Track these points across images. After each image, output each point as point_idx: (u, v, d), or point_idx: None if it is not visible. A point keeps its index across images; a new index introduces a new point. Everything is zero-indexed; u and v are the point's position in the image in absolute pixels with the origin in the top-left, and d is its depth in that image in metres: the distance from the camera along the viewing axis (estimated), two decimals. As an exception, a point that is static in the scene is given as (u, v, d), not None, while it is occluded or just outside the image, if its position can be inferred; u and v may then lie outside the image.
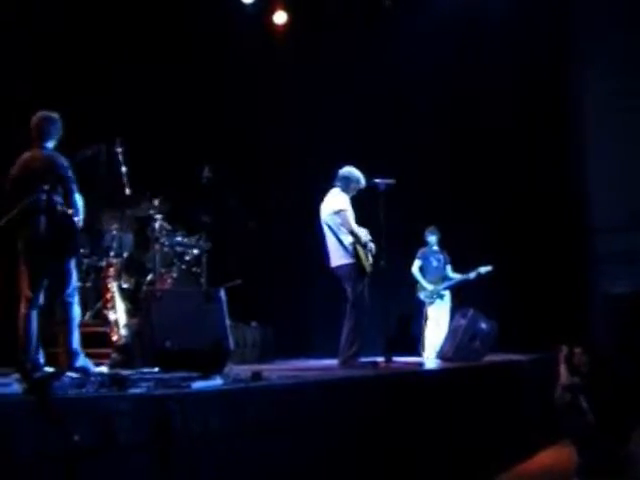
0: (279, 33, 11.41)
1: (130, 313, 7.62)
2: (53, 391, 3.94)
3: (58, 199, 5.74)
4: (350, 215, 7.61)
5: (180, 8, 10.21)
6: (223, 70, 10.62)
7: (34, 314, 5.85)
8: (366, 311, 7.52)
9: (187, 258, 8.24)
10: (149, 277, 7.91)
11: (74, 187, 5.85)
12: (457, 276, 10.14)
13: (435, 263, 10.27)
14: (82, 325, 6.27)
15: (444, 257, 10.30)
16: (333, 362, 7.70)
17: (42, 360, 5.84)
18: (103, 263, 7.79)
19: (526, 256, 10.61)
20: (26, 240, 5.80)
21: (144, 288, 7.74)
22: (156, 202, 8.12)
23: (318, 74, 10.80)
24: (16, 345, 5.77)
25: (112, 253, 7.83)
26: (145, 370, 5.86)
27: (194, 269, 8.26)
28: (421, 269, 10.28)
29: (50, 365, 5.90)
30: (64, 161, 5.91)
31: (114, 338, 7.43)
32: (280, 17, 11.38)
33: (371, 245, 7.73)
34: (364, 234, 7.71)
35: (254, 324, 9.41)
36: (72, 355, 5.79)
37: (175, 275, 8.06)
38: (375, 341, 8.22)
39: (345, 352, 7.39)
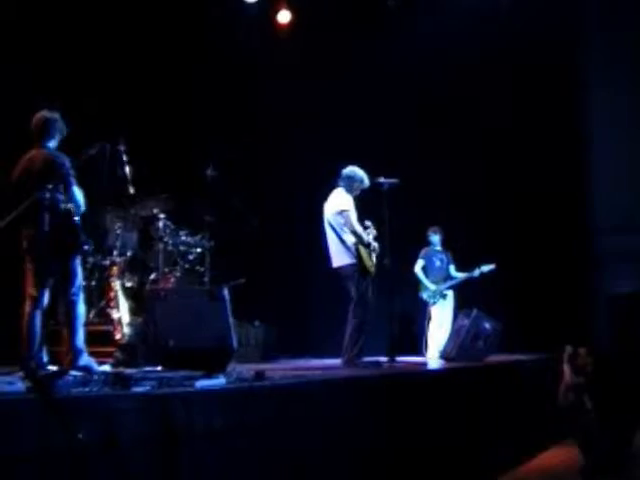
0: (283, 32, 11.42)
1: (133, 312, 7.62)
2: (56, 390, 3.94)
3: (61, 197, 5.75)
4: (353, 215, 7.61)
5: (184, 7, 10.21)
6: (227, 69, 10.62)
7: (38, 313, 5.86)
8: (370, 311, 7.53)
9: (190, 257, 8.24)
10: (152, 276, 7.91)
11: (72, 181, 5.85)
12: (460, 275, 10.15)
13: (438, 263, 10.27)
14: (86, 324, 6.27)
15: (447, 257, 10.31)
16: (336, 362, 7.70)
17: (45, 359, 5.85)
18: (107, 262, 7.80)
19: (529, 256, 10.61)
20: (30, 239, 5.82)
21: (147, 287, 7.74)
22: (160, 201, 8.12)
23: (322, 73, 10.80)
24: (20, 343, 5.77)
25: (116, 252, 7.84)
26: (148, 369, 5.87)
27: (197, 268, 8.26)
28: (424, 269, 10.29)
29: (53, 364, 5.90)
30: (64, 159, 5.91)
31: (117, 337, 7.44)
32: (284, 16, 11.39)
33: (374, 245, 7.74)
34: (369, 231, 7.72)
35: (257, 323, 9.41)
36: (75, 354, 5.79)
37: (178, 274, 8.06)
38: (378, 341, 8.21)
39: (348, 352, 7.39)
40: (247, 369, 5.71)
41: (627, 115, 10.80)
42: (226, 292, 5.65)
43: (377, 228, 7.82)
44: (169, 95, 10.05)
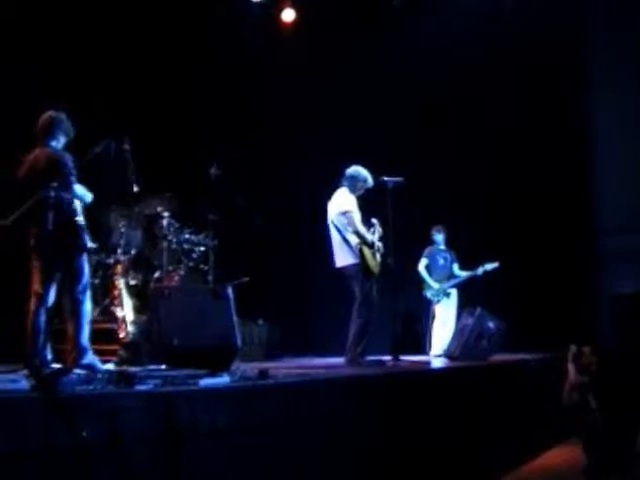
0: (287, 31, 11.42)
1: (137, 310, 7.62)
2: (60, 388, 3.94)
3: (66, 196, 5.77)
4: (356, 216, 7.61)
5: (189, 6, 10.22)
6: (231, 68, 10.62)
7: (43, 310, 5.87)
8: (374, 310, 7.53)
9: (194, 255, 8.24)
10: (156, 274, 7.91)
11: (72, 179, 5.86)
12: (464, 274, 10.15)
13: (441, 262, 10.28)
14: (90, 322, 6.26)
15: (451, 256, 10.31)
16: (339, 360, 7.70)
17: (50, 356, 5.85)
18: (111, 260, 7.80)
19: (533, 255, 10.61)
20: (36, 237, 5.83)
21: (151, 285, 7.75)
22: (164, 200, 8.12)
23: (326, 72, 10.80)
24: (24, 341, 5.78)
25: (120, 250, 7.84)
26: (152, 367, 5.87)
27: (201, 267, 8.26)
28: (428, 268, 10.30)
29: (57, 362, 5.91)
30: (67, 158, 5.93)
31: (121, 335, 7.44)
32: (288, 15, 11.40)
33: (379, 244, 7.74)
34: (374, 229, 7.73)
35: (261, 322, 9.42)
36: (80, 352, 5.79)
37: (182, 272, 8.06)
38: (382, 340, 8.22)
39: (352, 351, 7.40)
40: (251, 368, 5.72)
41: (632, 115, 10.78)
42: (230, 291, 5.66)
43: (381, 227, 7.83)
44: (174, 94, 10.06)
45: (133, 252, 7.95)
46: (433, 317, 10.13)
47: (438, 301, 10.15)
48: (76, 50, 8.99)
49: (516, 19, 10.60)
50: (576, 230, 10.64)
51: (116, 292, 7.66)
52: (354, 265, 7.55)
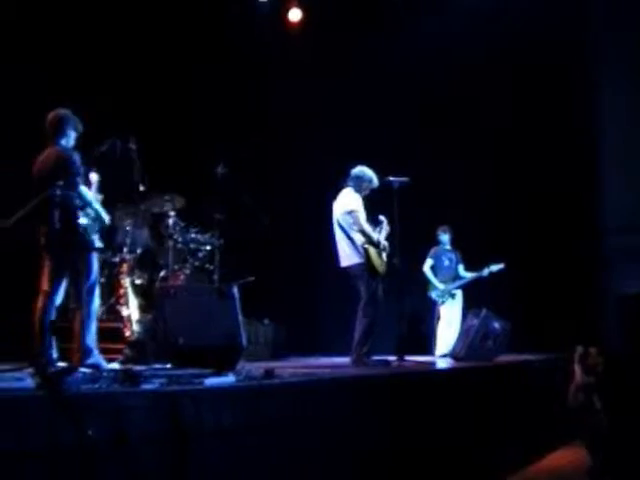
0: (294, 30, 11.42)
1: (143, 309, 7.63)
2: (66, 386, 3.95)
3: (73, 195, 5.77)
4: (362, 215, 7.61)
5: (196, 5, 10.22)
6: (237, 67, 10.62)
7: (51, 309, 5.88)
8: (379, 310, 7.52)
9: (200, 255, 8.25)
10: (162, 273, 7.92)
11: (78, 180, 5.88)
12: (469, 275, 10.14)
13: (447, 262, 10.27)
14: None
15: (456, 256, 10.30)
16: (345, 360, 7.70)
17: (55, 355, 5.86)
18: (116, 259, 7.81)
19: (538, 256, 10.59)
20: (45, 236, 5.84)
21: (157, 284, 7.75)
22: (170, 199, 8.13)
23: (332, 72, 10.79)
24: (30, 340, 5.79)
25: (125, 249, 7.85)
26: (158, 366, 5.87)
27: (207, 266, 8.26)
28: (433, 268, 10.29)
29: (63, 360, 5.91)
30: (75, 157, 5.95)
31: (127, 334, 7.45)
32: (295, 14, 11.40)
33: (384, 243, 7.73)
34: (381, 227, 7.73)
35: (266, 321, 9.42)
36: (85, 352, 5.79)
37: (188, 272, 8.07)
38: (387, 340, 8.22)
39: (357, 350, 7.39)
40: (256, 367, 5.71)
41: (637, 115, 10.76)
42: (236, 290, 5.66)
43: (389, 225, 7.83)
44: (180, 93, 10.07)
45: (139, 251, 7.96)
46: (438, 318, 10.13)
47: (443, 302, 10.14)
48: (82, 49, 9.00)
49: (520, 18, 10.57)
50: (581, 230, 10.62)
51: (122, 291, 7.67)
52: (359, 265, 7.55)
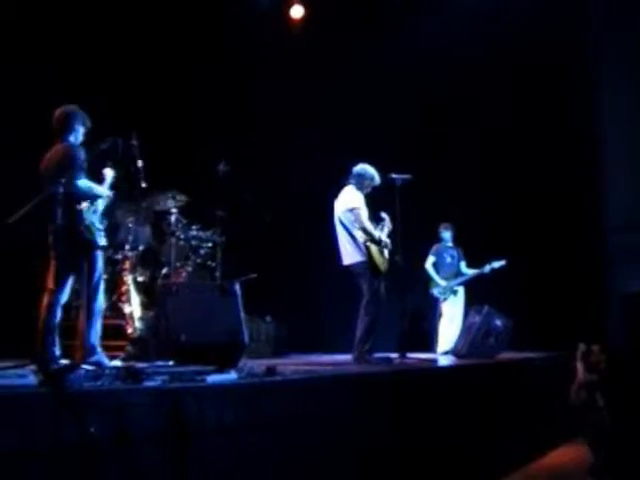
0: (296, 27, 11.41)
1: (145, 306, 7.64)
2: (68, 383, 3.95)
3: (75, 191, 5.76)
4: (363, 213, 7.61)
5: (196, 2, 10.22)
6: (239, 64, 10.62)
7: (56, 307, 5.87)
8: (382, 307, 7.52)
9: (202, 252, 8.26)
10: (164, 270, 7.93)
11: (77, 175, 5.85)
12: (471, 271, 10.14)
13: (449, 259, 10.27)
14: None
15: (458, 253, 10.31)
16: (347, 357, 7.70)
17: (58, 352, 5.86)
18: (119, 256, 7.81)
19: (541, 253, 10.59)
20: (51, 233, 5.85)
21: (159, 281, 7.76)
22: (172, 196, 8.13)
23: (333, 69, 10.78)
24: (34, 337, 5.79)
25: (128, 246, 7.85)
26: (160, 363, 5.88)
27: (209, 263, 8.27)
28: (435, 265, 10.29)
29: (65, 357, 5.91)
30: (78, 153, 5.94)
31: (129, 331, 7.46)
32: (297, 11, 11.39)
33: (386, 241, 7.73)
34: (383, 224, 7.73)
35: (268, 318, 9.43)
36: (88, 350, 5.78)
37: (190, 269, 8.08)
38: (389, 337, 8.23)
39: (359, 348, 7.39)
40: (258, 364, 5.71)
41: (638, 114, 10.76)
42: (238, 287, 5.66)
43: (391, 222, 7.83)
44: (181, 90, 10.06)
45: (141, 248, 7.96)
46: (440, 315, 10.13)
47: (445, 299, 10.14)
48: (83, 46, 9.00)
49: (522, 17, 10.56)
50: (584, 228, 10.62)
51: (124, 288, 7.68)
52: (361, 262, 7.55)
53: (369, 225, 7.61)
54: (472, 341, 8.65)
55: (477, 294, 9.97)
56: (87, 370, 5.05)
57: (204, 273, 8.22)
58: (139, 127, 6.78)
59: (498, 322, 8.66)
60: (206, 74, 10.38)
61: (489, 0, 10.71)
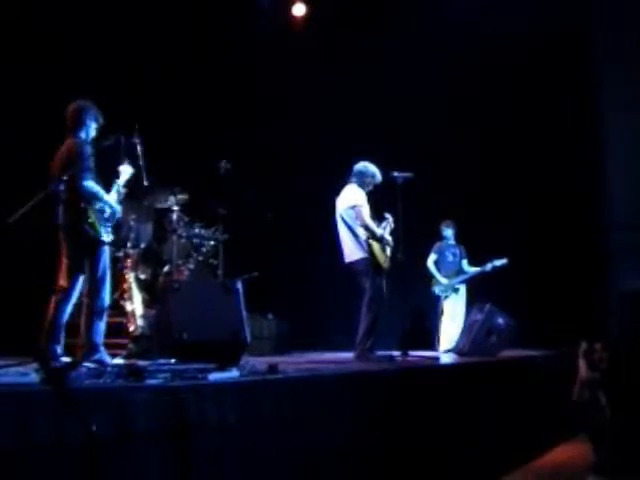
0: (298, 25, 11.39)
1: (147, 304, 7.64)
2: (70, 381, 3.95)
3: (79, 189, 5.75)
4: (365, 210, 7.60)
5: (198, 1, 10.22)
6: (241, 63, 10.61)
7: (67, 305, 5.86)
8: (383, 305, 7.52)
9: (204, 250, 8.25)
10: (166, 268, 7.92)
11: (82, 173, 5.81)
12: (472, 270, 10.14)
13: (450, 257, 10.27)
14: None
15: (460, 251, 10.30)
16: (349, 355, 7.70)
17: (60, 350, 5.85)
18: (120, 254, 7.81)
19: (543, 251, 10.59)
20: (60, 231, 5.85)
21: (161, 279, 7.76)
22: (174, 193, 8.13)
23: (337, 66, 10.77)
24: (35, 334, 5.78)
25: (129, 244, 7.84)
26: (162, 361, 5.87)
27: (211, 261, 8.27)
28: (436, 263, 10.28)
29: (67, 355, 5.91)
30: (84, 149, 5.91)
31: (131, 329, 7.45)
32: (299, 9, 11.37)
33: (388, 239, 7.73)
34: (386, 223, 7.73)
35: (270, 316, 9.42)
36: (91, 348, 5.77)
37: (192, 267, 8.07)
38: (391, 335, 8.22)
39: (361, 345, 7.39)
40: (260, 362, 5.71)
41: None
42: (240, 285, 5.65)
43: (394, 222, 7.83)
44: (183, 88, 10.05)
45: (143, 246, 7.96)
46: (441, 313, 10.13)
47: (446, 297, 10.14)
48: (85, 44, 9.00)
49: (527, 13, 10.55)
50: (586, 226, 10.62)
51: (126, 286, 7.67)
52: (363, 260, 7.55)
53: (371, 222, 7.61)
54: (474, 339, 8.64)
55: (479, 292, 9.97)
56: (89, 368, 5.06)
57: (206, 271, 8.21)
58: (141, 125, 6.77)
59: (500, 320, 8.65)
60: (208, 72, 10.37)
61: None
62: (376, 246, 7.56)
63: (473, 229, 10.34)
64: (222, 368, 5.00)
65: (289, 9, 11.39)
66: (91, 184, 5.86)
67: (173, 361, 5.58)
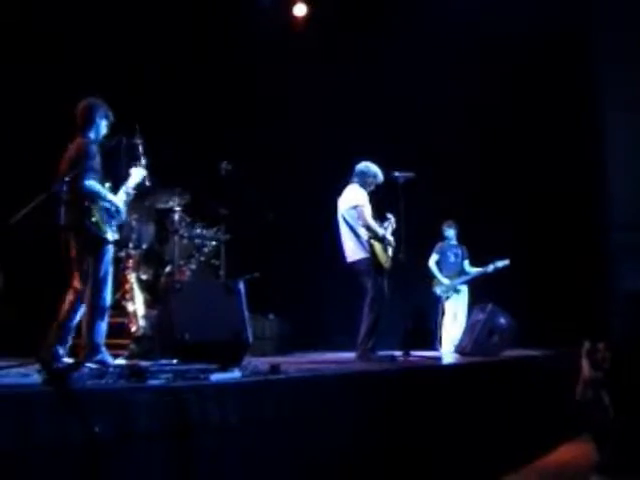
0: (299, 26, 11.39)
1: (149, 304, 7.63)
2: (72, 382, 3.95)
3: (82, 189, 5.73)
4: (367, 210, 7.60)
5: (200, 1, 10.22)
6: (242, 63, 10.60)
7: (80, 306, 5.85)
8: (385, 305, 7.52)
9: (206, 250, 8.25)
10: (168, 269, 7.92)
11: (84, 174, 5.77)
12: (474, 270, 10.14)
13: (452, 258, 10.27)
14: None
15: (462, 251, 10.30)
16: (350, 355, 7.70)
17: (62, 351, 5.85)
18: (122, 254, 7.80)
19: (545, 252, 10.58)
20: (64, 232, 5.83)
21: (163, 280, 7.76)
22: (175, 194, 8.12)
23: (338, 67, 10.77)
24: (37, 335, 5.76)
25: (131, 244, 7.84)
26: (163, 361, 5.87)
27: (213, 261, 8.26)
28: (438, 263, 10.28)
29: (70, 356, 5.91)
30: (89, 148, 5.89)
31: (132, 329, 7.45)
32: (300, 9, 11.37)
33: (390, 239, 7.73)
34: (387, 224, 7.73)
35: (272, 316, 9.41)
36: (92, 348, 5.76)
37: (194, 267, 8.07)
38: (392, 335, 8.21)
39: (363, 346, 7.39)
40: (262, 362, 5.71)
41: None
42: (242, 285, 5.65)
43: (396, 223, 7.83)
44: (184, 88, 10.05)
45: (144, 246, 7.95)
46: (443, 313, 10.13)
47: (448, 297, 10.14)
48: (86, 44, 8.99)
49: (526, 12, 10.54)
50: (588, 226, 10.61)
51: (127, 286, 7.67)
52: (365, 260, 7.55)
53: (373, 222, 7.60)
54: (476, 339, 8.64)
55: (480, 292, 9.96)
56: (91, 368, 5.06)
57: (208, 271, 8.21)
58: (142, 126, 6.77)
59: (502, 320, 8.65)
60: (209, 72, 10.37)
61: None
62: (378, 246, 7.56)
63: (474, 229, 10.33)
64: (224, 368, 5.00)
65: (290, 9, 11.37)
66: (92, 183, 5.80)
67: (175, 362, 5.58)
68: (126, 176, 6.36)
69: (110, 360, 5.87)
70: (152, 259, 7.98)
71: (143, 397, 3.93)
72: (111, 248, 6.00)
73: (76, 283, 5.86)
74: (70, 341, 5.89)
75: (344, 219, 7.69)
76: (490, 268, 9.89)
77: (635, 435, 5.77)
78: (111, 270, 6.04)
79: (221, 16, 10.52)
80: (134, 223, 7.91)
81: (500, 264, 9.82)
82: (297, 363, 6.84)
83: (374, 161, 7.88)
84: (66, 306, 5.84)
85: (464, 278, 10.17)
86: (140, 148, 6.61)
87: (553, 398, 8.11)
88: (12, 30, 8.45)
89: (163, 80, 9.84)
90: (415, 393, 5.98)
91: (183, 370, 4.93)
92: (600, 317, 10.03)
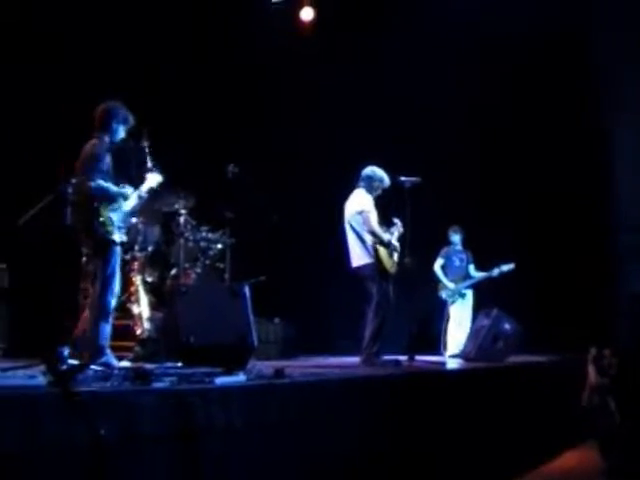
0: (306, 30, 11.39)
1: (154, 307, 7.63)
2: (77, 384, 3.94)
3: (90, 190, 5.73)
4: (372, 216, 7.59)
5: (207, 4, 10.23)
6: (249, 66, 10.61)
7: None
8: (390, 310, 7.51)
9: (211, 253, 8.24)
10: (173, 271, 7.92)
11: (91, 175, 5.76)
12: (479, 275, 10.12)
13: (457, 262, 10.26)
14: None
15: (467, 256, 10.28)
16: (355, 360, 7.69)
17: (66, 353, 5.84)
18: (128, 256, 7.80)
19: (550, 256, 10.56)
20: (73, 233, 5.84)
21: (168, 282, 7.76)
22: (181, 197, 8.13)
23: (344, 71, 10.77)
24: (42, 337, 5.76)
25: (137, 247, 7.84)
26: (168, 364, 5.87)
27: (218, 264, 8.26)
28: (443, 268, 10.27)
29: (74, 358, 5.90)
30: (98, 150, 5.89)
31: (138, 331, 7.45)
32: (307, 13, 11.37)
33: (395, 244, 7.72)
34: (394, 229, 7.73)
35: (277, 320, 9.40)
36: (97, 350, 5.76)
37: (199, 270, 8.07)
38: (397, 340, 8.20)
39: (367, 350, 7.38)
40: (267, 366, 5.70)
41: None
42: (247, 289, 5.64)
43: (402, 228, 7.82)
44: (191, 92, 10.06)
45: (150, 249, 7.95)
46: (448, 317, 10.12)
47: (453, 302, 10.13)
48: (92, 46, 9.01)
49: (529, 12, 10.54)
50: (593, 230, 10.60)
51: (133, 288, 7.67)
52: (370, 265, 7.54)
53: (378, 228, 7.60)
54: (481, 344, 8.62)
55: (485, 297, 9.95)
56: (96, 371, 5.05)
57: (213, 275, 8.21)
58: (149, 128, 6.78)
59: (507, 325, 8.63)
60: (215, 75, 10.38)
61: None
62: (383, 251, 7.56)
63: (480, 233, 10.32)
64: (229, 372, 5.00)
65: (296, 12, 11.37)
66: (99, 183, 5.80)
67: (180, 364, 5.58)
68: (135, 179, 6.36)
69: (115, 362, 5.86)
70: (158, 262, 7.98)
71: (148, 400, 3.93)
72: (119, 250, 5.98)
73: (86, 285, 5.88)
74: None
75: (350, 224, 7.68)
76: (495, 272, 9.87)
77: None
78: (118, 272, 6.01)
79: (228, 20, 10.53)
80: (140, 225, 7.91)
81: (505, 268, 9.80)
82: (302, 367, 6.84)
83: (380, 165, 7.88)
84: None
85: (469, 282, 10.16)
86: (147, 151, 6.62)
87: (558, 404, 8.10)
88: (12, 30, 8.45)
89: (170, 83, 9.85)
90: (419, 398, 5.97)
91: (188, 373, 4.93)
92: (607, 322, 10.01)
